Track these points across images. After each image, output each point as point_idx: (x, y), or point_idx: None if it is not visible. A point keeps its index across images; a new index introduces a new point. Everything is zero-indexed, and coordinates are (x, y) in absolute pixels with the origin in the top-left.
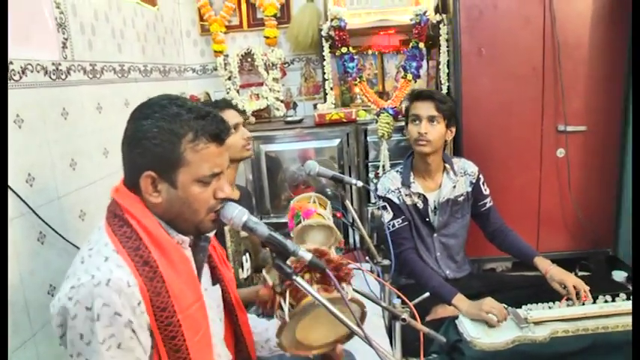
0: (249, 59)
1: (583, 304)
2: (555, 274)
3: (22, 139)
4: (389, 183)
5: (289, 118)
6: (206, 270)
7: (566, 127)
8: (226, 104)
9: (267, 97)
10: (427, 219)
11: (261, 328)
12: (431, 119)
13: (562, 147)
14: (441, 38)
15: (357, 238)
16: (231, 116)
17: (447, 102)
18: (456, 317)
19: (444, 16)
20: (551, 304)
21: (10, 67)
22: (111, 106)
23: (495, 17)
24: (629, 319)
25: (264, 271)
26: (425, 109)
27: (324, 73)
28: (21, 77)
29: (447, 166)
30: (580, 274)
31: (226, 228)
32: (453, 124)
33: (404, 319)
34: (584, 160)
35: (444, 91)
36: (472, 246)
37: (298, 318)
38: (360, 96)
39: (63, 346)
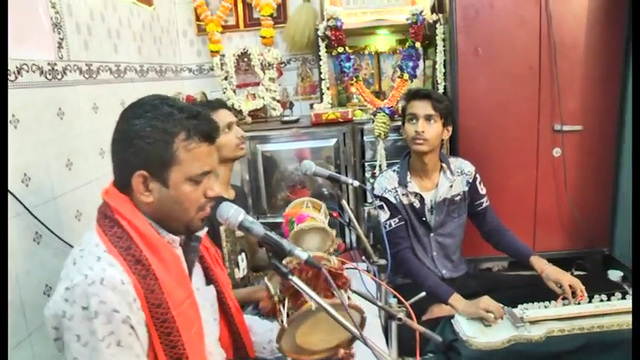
0: (245, 59)
1: (579, 303)
2: (551, 273)
3: (18, 139)
4: (386, 182)
5: (286, 118)
6: (199, 270)
7: (562, 127)
8: (219, 104)
9: (263, 97)
10: (424, 218)
11: (264, 329)
12: (428, 118)
13: (558, 146)
14: (437, 38)
15: (354, 237)
16: (224, 116)
17: (444, 101)
18: (452, 317)
19: (440, 15)
20: (547, 303)
21: None
22: (107, 106)
23: (491, 17)
24: (624, 318)
25: (265, 279)
26: (422, 108)
27: (320, 73)
28: (16, 77)
29: (444, 165)
30: (576, 273)
31: (222, 228)
32: (449, 123)
33: (400, 319)
34: (580, 160)
35: (441, 90)
36: (468, 245)
37: (297, 324)
38: (357, 96)
39: (57, 349)
